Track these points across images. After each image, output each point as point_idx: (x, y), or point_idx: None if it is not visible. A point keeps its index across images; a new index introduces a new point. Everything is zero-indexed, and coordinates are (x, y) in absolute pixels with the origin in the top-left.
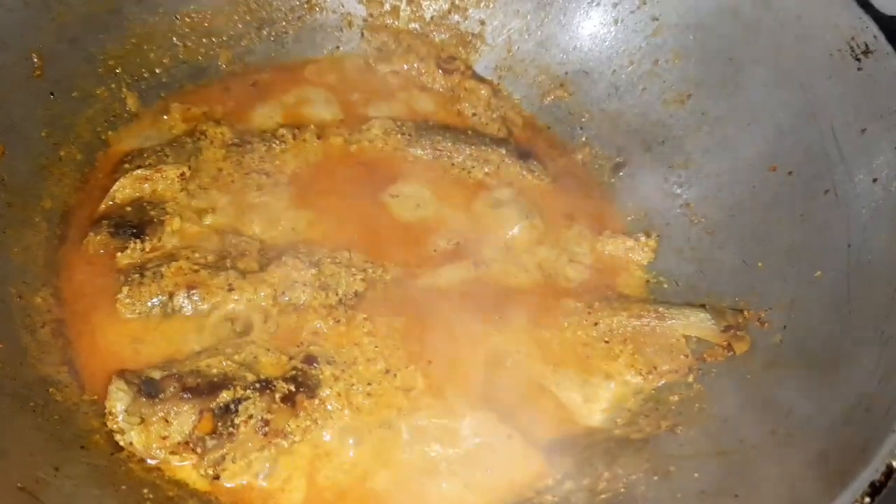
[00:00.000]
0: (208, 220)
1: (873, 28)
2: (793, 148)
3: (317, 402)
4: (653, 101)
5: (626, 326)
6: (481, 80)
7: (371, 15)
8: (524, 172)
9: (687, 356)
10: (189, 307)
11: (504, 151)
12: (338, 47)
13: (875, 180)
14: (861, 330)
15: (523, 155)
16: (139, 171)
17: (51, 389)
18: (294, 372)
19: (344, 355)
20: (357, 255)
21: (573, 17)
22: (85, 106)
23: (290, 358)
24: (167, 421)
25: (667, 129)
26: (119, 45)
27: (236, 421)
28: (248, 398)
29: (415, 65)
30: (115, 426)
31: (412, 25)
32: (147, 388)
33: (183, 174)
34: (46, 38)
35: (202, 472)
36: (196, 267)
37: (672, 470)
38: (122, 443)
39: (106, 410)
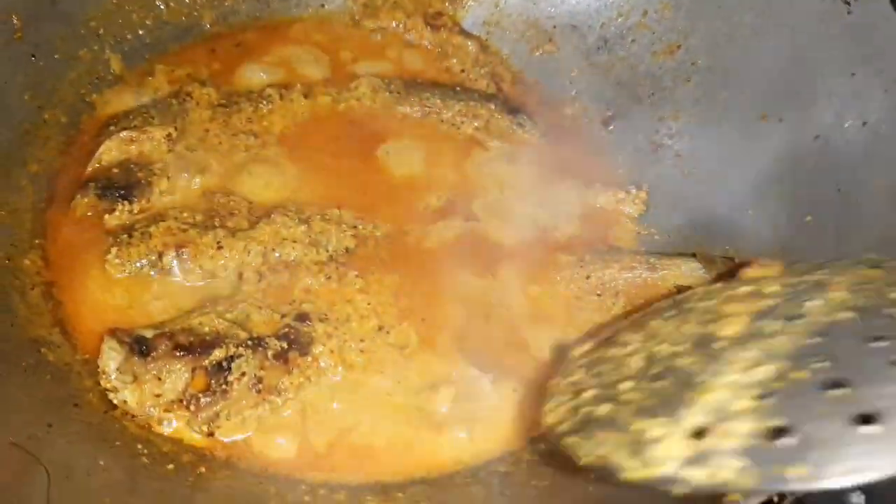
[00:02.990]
0: (196, 180)
1: None
2: (783, 95)
3: (310, 359)
4: (642, 53)
5: (618, 279)
6: (469, 35)
7: None
8: (514, 127)
9: None
10: (178, 266)
11: (493, 107)
12: (323, 5)
13: (865, 124)
14: None
15: (512, 110)
16: (125, 133)
17: (42, 350)
18: (286, 329)
19: (336, 312)
20: (347, 213)
21: None
22: (68, 68)
23: (283, 316)
24: (160, 379)
25: (656, 80)
26: (100, 5)
27: (229, 378)
28: (240, 356)
29: (402, 21)
30: (108, 385)
31: None
32: (139, 347)
33: (169, 135)
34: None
35: (196, 428)
36: (184, 226)
37: None
38: (115, 401)
39: (99, 369)
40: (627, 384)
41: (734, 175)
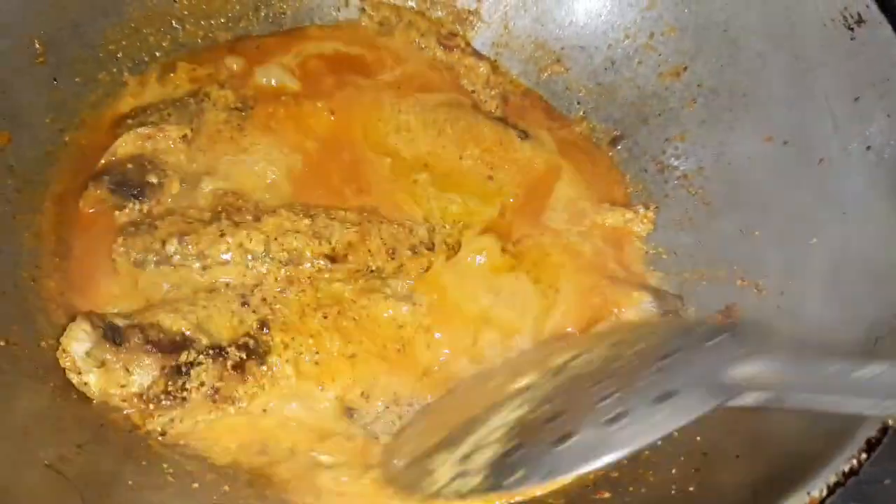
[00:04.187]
0: (207, 184)
1: None
2: (788, 118)
3: (265, 368)
4: (649, 74)
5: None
6: (481, 57)
7: None
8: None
9: None
10: (180, 253)
11: (500, 129)
12: (338, 23)
13: (869, 148)
14: (855, 293)
15: (521, 135)
16: (142, 129)
17: None
18: (246, 338)
19: (297, 324)
20: (352, 213)
21: None
22: (88, 91)
23: (241, 321)
24: (128, 370)
25: (663, 101)
26: (119, 29)
27: (188, 386)
28: (200, 363)
29: (416, 40)
30: (68, 364)
31: (409, 3)
32: (112, 334)
33: (185, 136)
34: (47, 24)
35: (150, 427)
36: (190, 220)
37: (675, 434)
38: (74, 381)
39: (61, 347)
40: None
41: (740, 196)
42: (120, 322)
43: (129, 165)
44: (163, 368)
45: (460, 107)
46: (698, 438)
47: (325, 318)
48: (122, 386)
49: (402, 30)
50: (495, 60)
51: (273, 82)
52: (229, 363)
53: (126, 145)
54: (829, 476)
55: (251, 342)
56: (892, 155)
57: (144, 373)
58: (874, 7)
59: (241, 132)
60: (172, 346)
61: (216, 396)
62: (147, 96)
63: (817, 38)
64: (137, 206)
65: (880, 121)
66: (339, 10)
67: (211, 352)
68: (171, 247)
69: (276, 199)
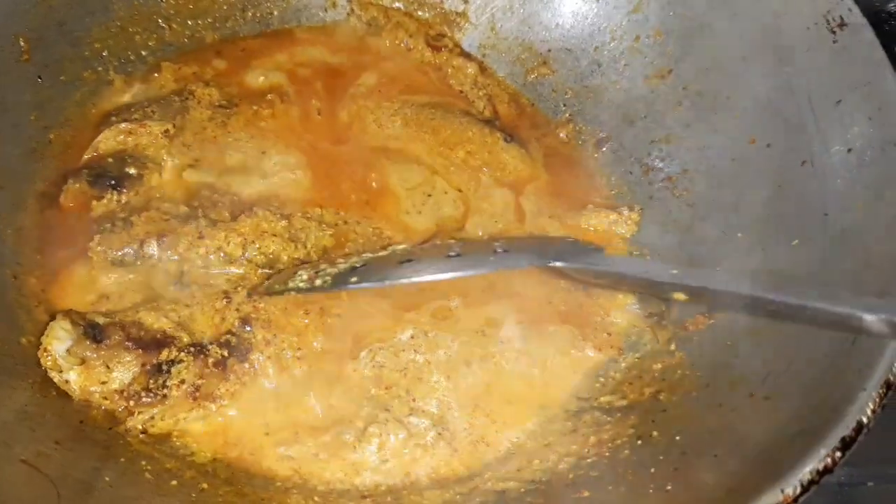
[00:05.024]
0: (188, 175)
1: (848, 1)
2: (771, 120)
3: (247, 366)
4: (635, 77)
5: (557, 300)
6: (469, 57)
7: None
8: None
9: (610, 335)
10: (158, 255)
11: (488, 130)
12: (325, 22)
13: (850, 150)
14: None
15: (507, 138)
16: (124, 125)
17: None
18: (228, 336)
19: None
20: (329, 212)
21: None
22: (73, 89)
23: (223, 319)
24: (108, 367)
25: (648, 104)
26: (104, 27)
27: (168, 383)
28: (181, 361)
29: (404, 40)
30: (49, 363)
31: (396, 4)
32: (92, 332)
33: (167, 131)
34: (32, 22)
35: (131, 424)
36: (166, 216)
37: (655, 434)
38: (56, 380)
39: (42, 346)
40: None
41: (724, 198)
42: (100, 320)
43: (110, 160)
44: (143, 366)
45: (446, 108)
46: (678, 438)
47: (307, 313)
48: (103, 383)
49: (391, 30)
50: (483, 61)
51: (260, 80)
52: (210, 360)
53: (108, 140)
54: (804, 474)
55: (233, 339)
56: (872, 157)
57: (125, 370)
58: (856, 10)
59: (224, 129)
60: (153, 343)
61: (197, 394)
62: (132, 95)
63: (801, 41)
64: (115, 197)
65: (862, 123)
66: (325, 10)
67: (192, 349)
68: (150, 248)
69: (255, 196)
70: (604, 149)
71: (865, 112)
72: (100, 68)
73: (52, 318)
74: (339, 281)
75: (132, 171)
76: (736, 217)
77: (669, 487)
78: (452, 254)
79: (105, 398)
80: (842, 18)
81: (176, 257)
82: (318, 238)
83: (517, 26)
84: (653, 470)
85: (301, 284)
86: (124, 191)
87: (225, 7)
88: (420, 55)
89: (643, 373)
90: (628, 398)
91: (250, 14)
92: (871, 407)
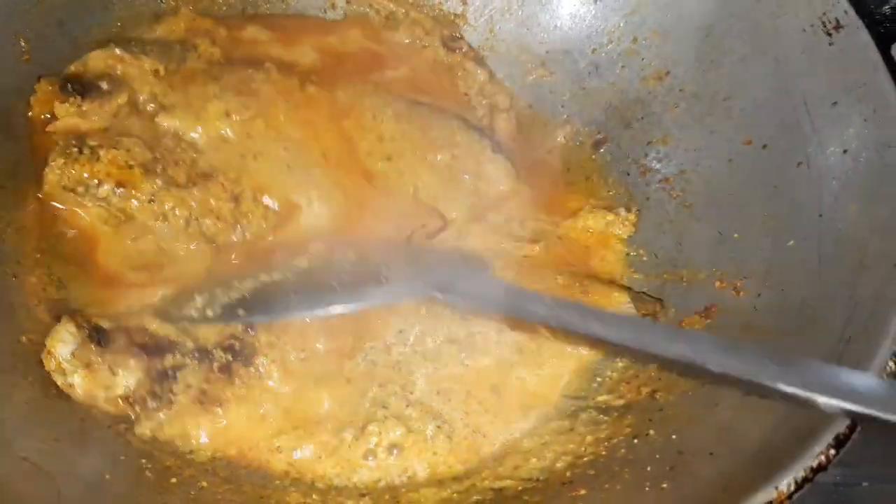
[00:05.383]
0: (160, 118)
1: (844, 3)
2: (767, 122)
3: (251, 369)
4: (632, 79)
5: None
6: (481, 63)
7: None
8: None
9: None
10: (109, 202)
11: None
12: (345, 15)
13: (845, 151)
14: (830, 296)
15: (495, 149)
16: (119, 51)
17: None
18: (231, 340)
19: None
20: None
21: None
22: None
23: (227, 324)
24: (113, 372)
25: (645, 105)
26: (105, 28)
27: (174, 389)
28: (186, 366)
29: (420, 38)
30: (53, 366)
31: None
32: (97, 336)
33: (157, 71)
34: (33, 22)
35: (139, 431)
36: (132, 163)
37: (651, 433)
38: (59, 383)
39: (46, 349)
40: None
41: (720, 199)
42: (105, 324)
43: (90, 76)
44: (148, 371)
45: (443, 109)
46: (674, 437)
47: None
48: (107, 387)
49: (408, 26)
50: (492, 70)
51: (264, 50)
52: (216, 365)
53: (97, 60)
54: (798, 471)
55: (237, 343)
56: (868, 158)
57: (130, 375)
58: (852, 13)
59: (215, 83)
60: (158, 348)
61: (203, 398)
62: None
63: (797, 43)
64: (77, 102)
65: (857, 124)
66: (325, 11)
67: (196, 354)
68: (103, 189)
69: (218, 158)
70: (601, 150)
71: (861, 114)
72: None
73: (55, 318)
74: (228, 313)
75: (105, 86)
76: (732, 218)
77: (665, 485)
78: (336, 283)
79: (110, 403)
80: (837, 20)
81: (122, 209)
82: (258, 229)
83: (515, 28)
84: (649, 468)
85: (194, 314)
86: (87, 98)
87: (225, 9)
88: (434, 53)
89: (640, 372)
90: (625, 398)
91: (250, 13)
92: None
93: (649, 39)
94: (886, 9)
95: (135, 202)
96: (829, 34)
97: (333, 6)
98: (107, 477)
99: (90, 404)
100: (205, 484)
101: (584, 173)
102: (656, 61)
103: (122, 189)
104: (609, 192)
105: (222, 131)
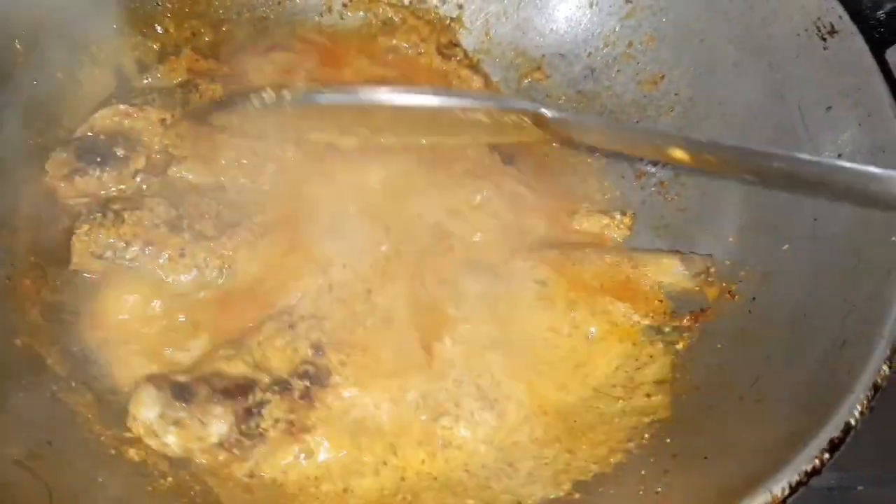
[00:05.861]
0: (175, 171)
1: (839, 8)
2: (762, 126)
3: (329, 390)
4: (627, 83)
5: (602, 276)
6: (477, 70)
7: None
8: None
9: (661, 301)
10: (139, 260)
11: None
12: (342, 18)
13: (840, 155)
14: (825, 299)
15: (506, 161)
16: (123, 107)
17: (42, 367)
18: (305, 366)
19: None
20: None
21: (549, 0)
22: (69, 92)
23: (295, 350)
24: (203, 423)
25: (641, 109)
26: (102, 30)
27: (263, 425)
28: (269, 401)
29: (416, 44)
30: (143, 431)
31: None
32: (179, 392)
33: (164, 120)
34: (28, 24)
35: (239, 473)
36: (157, 222)
37: (647, 437)
38: (154, 446)
39: (131, 415)
40: None
41: (715, 203)
42: (182, 378)
43: (102, 137)
44: (235, 413)
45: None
46: (668, 440)
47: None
48: (201, 439)
49: (404, 32)
50: (488, 76)
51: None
52: (296, 394)
53: (104, 119)
54: (792, 475)
55: (311, 368)
56: (862, 162)
57: (220, 422)
58: (846, 18)
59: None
60: (238, 390)
61: (293, 429)
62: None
63: (791, 47)
64: (97, 174)
65: (852, 129)
66: (321, 14)
67: (276, 387)
68: (133, 250)
69: (239, 207)
70: (597, 153)
71: (856, 118)
72: (96, 71)
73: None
74: (309, 94)
75: (120, 152)
76: (726, 221)
77: (660, 489)
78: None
79: (206, 453)
80: (832, 25)
81: (155, 268)
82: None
83: (511, 31)
84: (643, 472)
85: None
86: (108, 170)
87: (221, 11)
88: (429, 61)
89: (634, 374)
90: (621, 400)
91: (247, 16)
92: (859, 409)
93: (645, 44)
94: (881, 14)
95: (165, 258)
96: (824, 39)
97: (330, 9)
98: (99, 479)
99: (187, 457)
100: (197, 488)
101: (580, 177)
102: (652, 66)
103: (150, 246)
104: (604, 195)
105: (240, 180)
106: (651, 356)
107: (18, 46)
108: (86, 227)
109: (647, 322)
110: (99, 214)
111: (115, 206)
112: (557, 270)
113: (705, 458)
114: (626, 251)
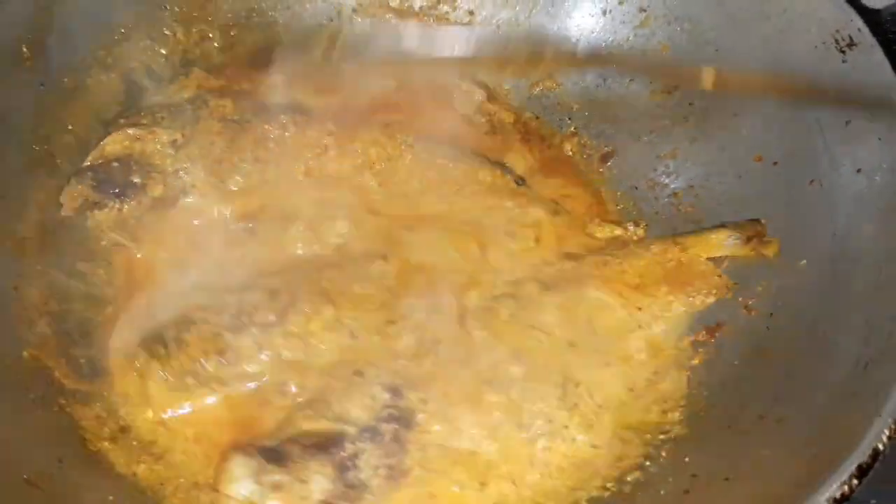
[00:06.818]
0: (189, 198)
1: (858, 21)
2: (778, 139)
3: (417, 429)
4: (641, 92)
5: (654, 268)
6: (478, 83)
7: (360, 5)
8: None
9: (720, 276)
10: (220, 370)
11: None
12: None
13: (859, 171)
14: (846, 317)
15: (518, 181)
16: (133, 130)
17: (50, 380)
18: (388, 411)
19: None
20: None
21: (561, 8)
22: (75, 97)
23: (373, 398)
24: (303, 481)
25: (654, 119)
26: (109, 35)
27: (362, 477)
28: (363, 450)
29: None
30: (238, 500)
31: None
32: (272, 456)
33: (175, 141)
34: (35, 27)
35: None
36: (217, 329)
37: (664, 455)
38: None
39: (224, 493)
40: None
41: (729, 215)
42: (269, 442)
43: (115, 164)
44: (334, 465)
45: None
46: (687, 460)
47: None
48: (305, 498)
49: None
50: (493, 88)
51: (275, 97)
52: (387, 438)
53: (114, 144)
54: (820, 502)
55: (394, 411)
56: (883, 178)
57: (321, 476)
58: (866, 31)
59: (231, 146)
60: (330, 443)
61: (394, 473)
62: (149, 95)
63: (809, 60)
64: (117, 206)
65: (871, 144)
66: (331, 20)
67: (366, 434)
68: (210, 364)
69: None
70: (609, 163)
71: (875, 132)
72: (102, 76)
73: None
74: None
75: (136, 179)
76: None
77: None
78: None
79: None
80: (851, 38)
81: (239, 374)
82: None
83: (523, 39)
84: (662, 492)
85: None
86: (126, 199)
87: (229, 15)
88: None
89: (648, 390)
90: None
91: (255, 21)
92: (888, 433)
93: (658, 53)
94: None
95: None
96: (843, 51)
97: (339, 14)
98: (110, 498)
99: None
100: None
101: (592, 187)
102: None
103: (224, 355)
104: (617, 206)
105: (251, 207)
106: (666, 370)
107: (25, 51)
108: (160, 371)
109: (712, 300)
110: (161, 349)
111: (171, 334)
112: (607, 281)
113: (726, 479)
114: (669, 238)
